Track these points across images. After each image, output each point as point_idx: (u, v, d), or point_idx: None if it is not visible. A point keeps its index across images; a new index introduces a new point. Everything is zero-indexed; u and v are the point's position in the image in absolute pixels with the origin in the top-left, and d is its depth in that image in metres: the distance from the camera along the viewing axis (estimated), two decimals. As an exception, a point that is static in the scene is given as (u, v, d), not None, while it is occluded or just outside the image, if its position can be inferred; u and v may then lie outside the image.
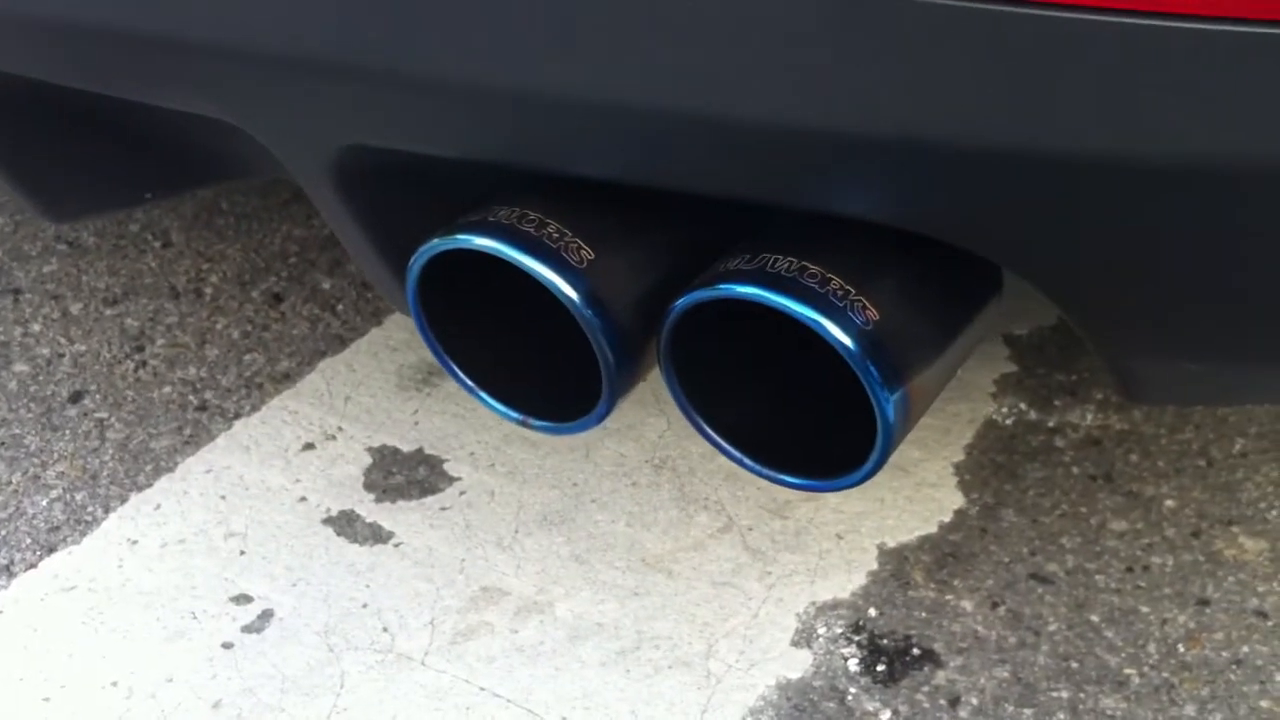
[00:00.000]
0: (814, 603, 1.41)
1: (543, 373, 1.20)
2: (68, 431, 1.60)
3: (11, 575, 1.43)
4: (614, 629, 1.39)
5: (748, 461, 1.13)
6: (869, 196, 1.00)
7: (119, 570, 1.43)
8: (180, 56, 1.09)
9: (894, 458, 1.55)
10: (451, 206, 1.13)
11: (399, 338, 1.73)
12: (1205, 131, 0.89)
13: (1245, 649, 1.37)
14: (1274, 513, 1.50)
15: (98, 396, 1.65)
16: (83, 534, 1.48)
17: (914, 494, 1.53)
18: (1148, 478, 1.55)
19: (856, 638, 1.38)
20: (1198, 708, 1.32)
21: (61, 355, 1.70)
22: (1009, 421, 1.62)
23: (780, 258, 1.03)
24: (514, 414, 1.17)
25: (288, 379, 1.67)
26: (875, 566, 1.45)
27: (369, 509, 1.51)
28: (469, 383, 1.18)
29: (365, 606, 1.40)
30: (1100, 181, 0.94)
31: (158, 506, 1.51)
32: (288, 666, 1.35)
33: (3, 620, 1.38)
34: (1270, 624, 1.39)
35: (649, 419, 1.61)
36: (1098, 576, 1.44)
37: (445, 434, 1.60)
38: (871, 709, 1.32)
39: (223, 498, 1.51)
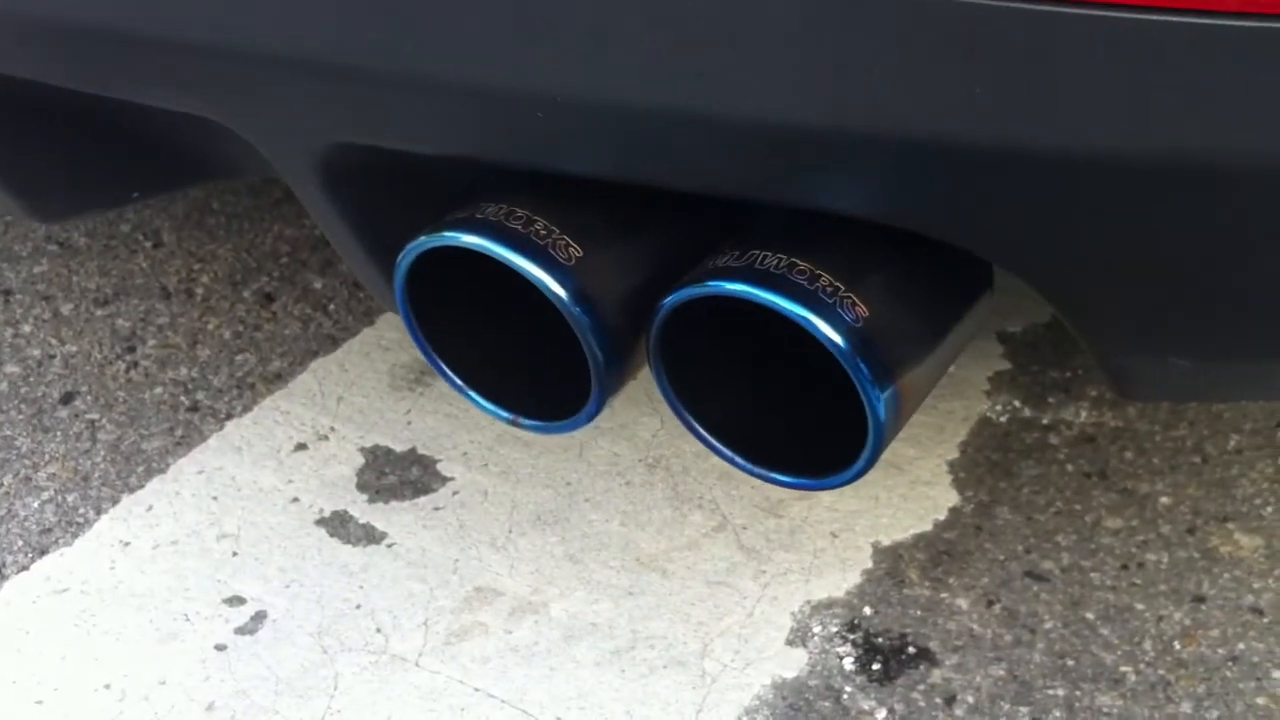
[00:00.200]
0: (809, 601, 1.41)
1: (532, 371, 1.19)
2: (59, 433, 1.60)
3: (3, 577, 1.43)
4: (609, 629, 1.38)
5: (739, 460, 1.12)
6: (859, 193, 0.99)
7: (111, 572, 1.43)
8: (168, 56, 1.08)
9: (888, 455, 1.55)
10: (439, 204, 1.13)
11: (391, 337, 1.73)
12: (1198, 129, 0.89)
13: (1241, 646, 1.36)
14: (1269, 509, 1.50)
15: (89, 397, 1.64)
16: (75, 536, 1.47)
17: (909, 492, 1.52)
18: (1142, 475, 1.54)
19: (852, 636, 1.38)
20: (1194, 705, 1.31)
21: (52, 356, 1.70)
22: (1003, 419, 1.61)
23: (769, 254, 1.03)
24: (504, 413, 1.17)
25: (280, 379, 1.67)
26: (870, 565, 1.44)
27: (362, 509, 1.50)
28: (458, 382, 1.17)
29: (359, 607, 1.40)
30: (1093, 179, 0.93)
31: (150, 508, 1.50)
32: (281, 668, 1.34)
33: (-6, 623, 1.38)
34: (1266, 620, 1.38)
35: (642, 418, 1.61)
36: (1093, 574, 1.44)
37: (438, 434, 1.59)
38: (867, 708, 1.31)
39: (215, 499, 1.51)
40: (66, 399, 1.64)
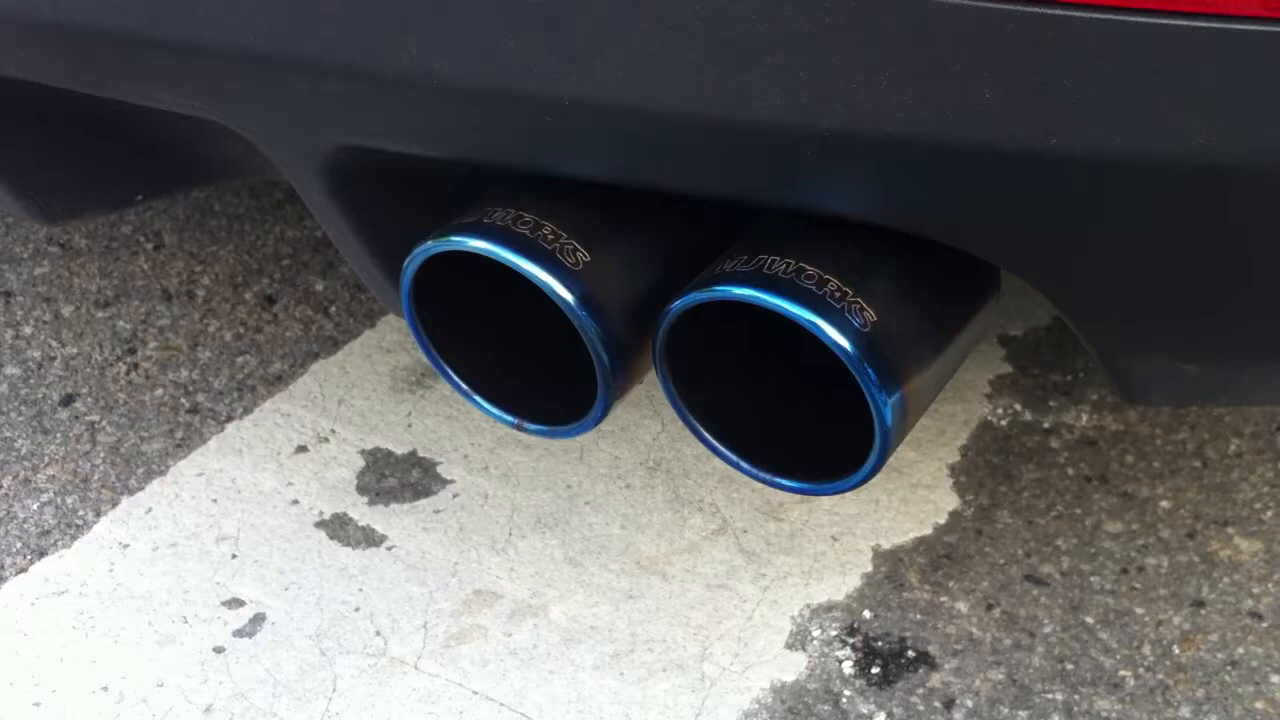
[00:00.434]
0: (809, 605, 1.41)
1: (537, 375, 1.19)
2: (59, 435, 1.59)
3: (2, 579, 1.42)
4: (608, 632, 1.38)
5: (744, 465, 1.12)
6: (867, 197, 0.99)
7: (110, 574, 1.43)
8: (171, 57, 1.08)
9: (889, 459, 1.55)
10: (444, 207, 1.12)
11: (392, 339, 1.73)
12: (1202, 130, 0.89)
13: (1240, 650, 1.37)
14: (1269, 513, 1.50)
15: (89, 399, 1.64)
16: (73, 538, 1.47)
17: (909, 495, 1.52)
18: (1143, 479, 1.55)
19: (851, 640, 1.38)
20: (1193, 709, 1.31)
21: (53, 358, 1.69)
22: (1004, 422, 1.62)
23: (777, 259, 1.03)
24: (509, 417, 1.17)
25: (280, 381, 1.66)
26: (870, 568, 1.45)
27: (362, 512, 1.50)
28: (463, 386, 1.17)
29: (358, 610, 1.40)
30: (1099, 182, 0.93)
31: (149, 510, 1.50)
32: (280, 671, 1.34)
33: (-7, 625, 1.38)
34: (1265, 625, 1.39)
35: (643, 421, 1.61)
36: (1093, 578, 1.44)
37: (439, 436, 1.59)
38: (866, 712, 1.31)
39: (214, 501, 1.51)
40: (67, 401, 1.64)
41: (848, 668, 1.35)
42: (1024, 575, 1.44)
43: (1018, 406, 1.64)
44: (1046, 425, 1.61)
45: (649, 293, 1.08)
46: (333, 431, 1.60)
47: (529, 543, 1.47)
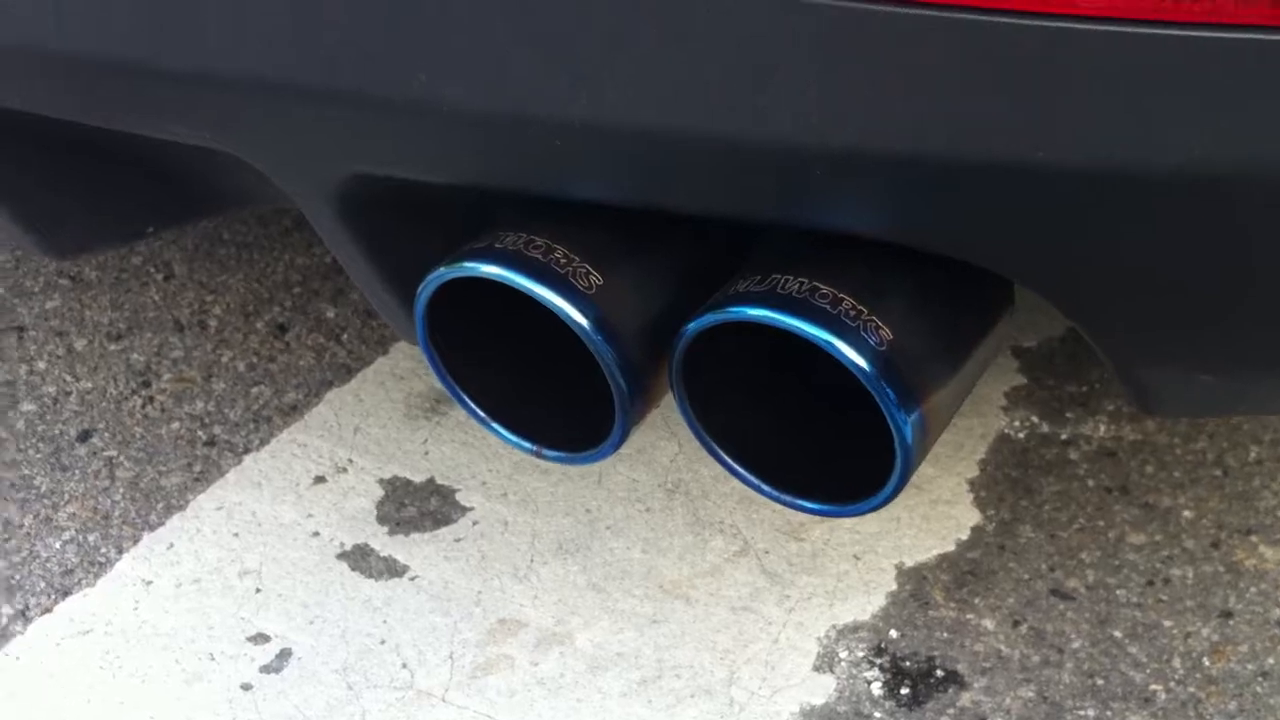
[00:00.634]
0: (834, 626, 1.40)
1: (553, 400, 1.18)
2: (77, 471, 1.59)
3: (27, 620, 1.42)
4: (634, 658, 1.37)
5: (765, 487, 1.11)
6: (880, 214, 0.99)
7: (135, 612, 1.42)
8: (180, 89, 1.08)
9: (909, 476, 1.54)
10: (456, 233, 1.12)
11: (405, 366, 1.72)
12: (1215, 141, 0.88)
13: (1271, 660, 1.35)
14: (1294, 521, 1.49)
15: (106, 434, 1.64)
16: (97, 576, 1.46)
17: (930, 511, 1.51)
18: (1164, 488, 1.54)
19: (879, 660, 1.37)
20: (1225, 721, 1.30)
21: (68, 393, 1.69)
22: (1021, 435, 1.61)
23: (791, 278, 1.02)
24: (527, 444, 1.16)
25: (295, 411, 1.66)
26: (894, 587, 1.44)
27: (383, 542, 1.50)
28: (480, 414, 1.17)
29: (383, 643, 1.39)
30: (1113, 194, 0.93)
31: (170, 546, 1.50)
32: (308, 707, 1.33)
33: (19, 666, 1.37)
34: (1295, 634, 1.38)
35: (660, 442, 1.60)
36: (1119, 591, 1.43)
37: (456, 463, 1.58)
38: (895, 731, 1.30)
39: (236, 535, 1.50)
40: (84, 436, 1.63)
41: (876, 689, 1.34)
42: (1049, 590, 1.43)
43: (1035, 419, 1.63)
44: (1064, 437, 1.60)
45: (663, 314, 1.08)
46: (350, 461, 1.59)
47: (551, 569, 1.46)
